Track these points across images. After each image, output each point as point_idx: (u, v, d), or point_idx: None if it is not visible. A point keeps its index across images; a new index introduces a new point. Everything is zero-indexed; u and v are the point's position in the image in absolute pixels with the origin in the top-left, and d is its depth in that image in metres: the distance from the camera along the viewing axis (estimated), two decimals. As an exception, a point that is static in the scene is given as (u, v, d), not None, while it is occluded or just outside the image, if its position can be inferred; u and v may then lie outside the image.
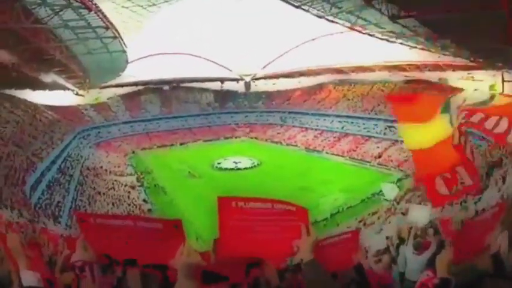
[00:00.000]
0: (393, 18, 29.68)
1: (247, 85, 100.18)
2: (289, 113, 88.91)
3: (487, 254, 2.91)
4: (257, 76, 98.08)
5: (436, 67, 57.69)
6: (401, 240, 10.21)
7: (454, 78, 55.67)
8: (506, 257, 2.89)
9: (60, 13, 30.00)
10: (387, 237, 13.33)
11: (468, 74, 54.30)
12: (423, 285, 3.39)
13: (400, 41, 44.56)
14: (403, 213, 27.58)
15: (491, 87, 49.60)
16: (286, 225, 2.77)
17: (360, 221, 33.62)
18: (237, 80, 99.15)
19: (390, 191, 41.90)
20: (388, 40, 44.99)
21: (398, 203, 35.26)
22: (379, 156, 59.08)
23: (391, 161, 56.04)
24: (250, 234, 2.73)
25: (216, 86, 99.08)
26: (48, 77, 49.44)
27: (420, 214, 17.98)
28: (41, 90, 59.68)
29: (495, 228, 3.13)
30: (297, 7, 36.14)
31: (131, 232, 2.70)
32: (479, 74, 49.87)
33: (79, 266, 2.70)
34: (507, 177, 18.23)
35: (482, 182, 20.00)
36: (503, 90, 48.10)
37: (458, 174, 7.25)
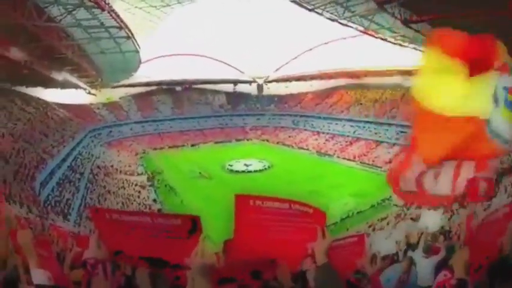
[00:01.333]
0: (406, 22, 29.64)
1: (260, 87, 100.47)
2: (301, 116, 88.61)
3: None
4: (270, 79, 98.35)
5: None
6: (410, 246, 10.12)
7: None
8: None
9: (73, 12, 30.21)
10: (396, 242, 13.25)
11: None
12: (440, 286, 3.33)
13: (412, 45, 44.43)
14: (412, 219, 27.52)
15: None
16: (303, 227, 2.73)
17: (370, 226, 33.46)
18: (249, 82, 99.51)
19: (402, 197, 41.76)
20: (401, 45, 44.86)
21: (408, 209, 35.10)
22: (390, 162, 58.49)
23: (402, 166, 55.36)
24: (265, 233, 2.70)
25: (229, 88, 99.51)
26: (60, 75, 49.59)
27: (432, 219, 17.91)
28: (52, 88, 60.22)
29: (507, 229, 3.07)
30: (311, 10, 36.13)
31: (148, 229, 2.67)
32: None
33: (91, 263, 2.64)
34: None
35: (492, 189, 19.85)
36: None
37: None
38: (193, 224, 2.66)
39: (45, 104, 58.52)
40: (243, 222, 2.66)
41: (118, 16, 35.16)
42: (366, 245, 5.07)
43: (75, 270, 3.10)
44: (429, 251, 6.53)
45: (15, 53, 33.24)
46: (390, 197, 41.71)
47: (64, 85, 58.83)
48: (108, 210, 3.21)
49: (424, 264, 5.83)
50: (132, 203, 41.32)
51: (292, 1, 36.45)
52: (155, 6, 48.29)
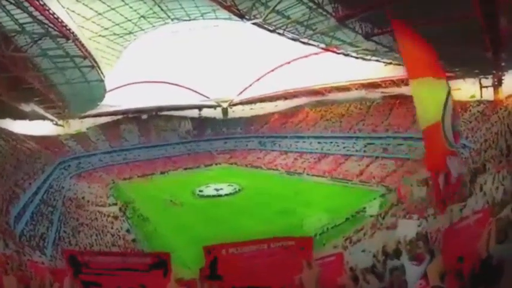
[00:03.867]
0: (367, 36, 30.12)
1: (225, 111, 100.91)
2: (268, 137, 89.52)
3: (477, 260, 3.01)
4: (234, 102, 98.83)
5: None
6: (387, 256, 10.27)
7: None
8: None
9: (39, 42, 30.03)
10: (374, 255, 13.44)
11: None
12: None
13: (375, 58, 45.14)
14: (388, 228, 27.77)
15: (471, 96, 50.53)
16: (286, 263, 2.76)
17: (346, 239, 33.50)
18: (214, 106, 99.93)
19: (373, 207, 42.21)
20: (363, 58, 45.54)
21: (383, 218, 35.41)
22: (361, 174, 59.43)
23: (373, 177, 56.52)
24: (247, 277, 2.70)
25: (194, 113, 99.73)
26: (28, 107, 48.98)
27: (408, 227, 18.21)
28: (21, 120, 59.36)
29: (482, 235, 3.19)
30: (272, 31, 36.42)
31: (121, 268, 2.71)
32: (457, 84, 50.23)
33: None
34: (488, 182, 18.49)
35: (466, 189, 20.24)
36: (481, 96, 49.13)
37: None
38: (163, 261, 2.71)
39: (15, 136, 57.76)
40: (220, 271, 2.68)
41: (82, 45, 35.01)
42: (344, 263, 5.16)
43: None
44: (417, 259, 6.71)
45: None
46: (364, 208, 42.25)
47: (32, 116, 58.08)
48: (83, 252, 3.25)
49: (413, 272, 6.00)
50: (106, 235, 40.73)
51: (253, 23, 36.75)
52: (118, 34, 48.25)
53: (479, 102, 47.73)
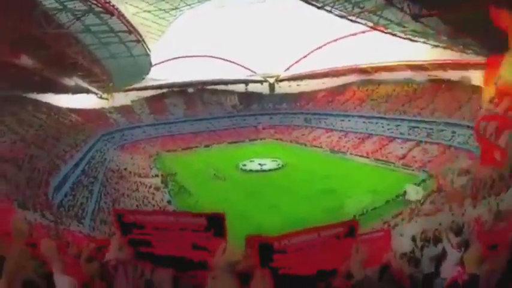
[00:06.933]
0: (415, 17, 29.55)
1: (272, 87, 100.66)
2: (314, 114, 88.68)
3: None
4: (281, 78, 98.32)
5: (459, 66, 57.06)
6: (427, 241, 10.10)
7: (477, 77, 54.82)
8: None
9: (82, 18, 30.29)
10: (412, 239, 13.22)
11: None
12: (454, 281, 3.35)
13: (422, 40, 44.27)
14: (426, 215, 27.40)
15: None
16: (336, 250, 2.70)
17: (384, 223, 33.28)
18: (261, 81, 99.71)
19: (414, 192, 41.66)
20: (410, 39, 44.77)
21: (422, 204, 34.96)
22: (403, 157, 58.60)
23: (416, 161, 55.55)
24: (296, 266, 2.61)
25: (241, 88, 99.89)
26: (72, 81, 49.84)
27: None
28: (64, 94, 60.66)
29: None
30: (320, 8, 36.05)
31: (171, 229, 2.63)
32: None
33: (113, 265, 2.68)
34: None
35: (504, 182, 19.75)
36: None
37: None
38: (218, 222, 2.61)
39: (57, 110, 58.95)
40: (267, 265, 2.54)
41: (127, 20, 35.30)
42: (391, 240, 5.06)
43: (91, 263, 3.09)
44: (462, 245, 6.52)
45: (26, 61, 33.42)
46: (404, 192, 41.72)
47: (75, 90, 59.39)
48: (132, 210, 3.19)
49: (453, 257, 5.84)
50: (147, 205, 41.36)
51: (301, -1, 36.43)
52: (164, 10, 48.31)
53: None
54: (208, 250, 2.57)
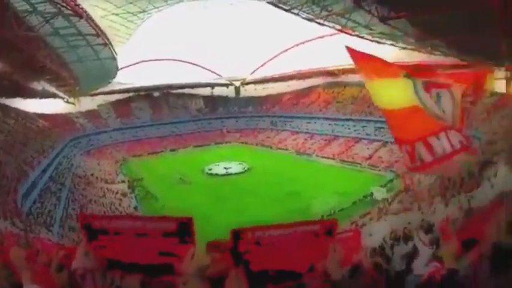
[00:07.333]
0: (383, 19, 29.88)
1: (237, 90, 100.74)
2: (279, 117, 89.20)
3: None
4: (247, 81, 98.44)
5: (426, 67, 57.82)
6: (397, 240, 10.32)
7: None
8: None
9: (51, 21, 30.06)
10: (382, 238, 13.47)
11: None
12: (432, 276, 3.49)
13: (390, 42, 44.78)
14: (394, 214, 27.82)
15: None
16: (313, 248, 2.75)
17: (352, 223, 33.52)
18: (226, 85, 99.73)
19: (380, 194, 42.20)
20: (378, 42, 45.21)
21: (390, 204, 35.40)
22: (370, 158, 59.38)
23: (382, 162, 56.26)
24: (272, 261, 2.67)
25: (206, 91, 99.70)
26: (39, 85, 49.25)
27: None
28: (31, 99, 59.49)
29: (493, 218, 3.21)
30: (287, 11, 36.25)
31: (139, 234, 2.61)
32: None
33: (80, 273, 2.64)
34: (498, 174, 18.45)
35: (474, 180, 20.23)
36: (494, 88, 48.64)
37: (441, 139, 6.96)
38: (186, 226, 2.62)
39: (24, 115, 57.98)
40: (243, 256, 2.62)
41: (95, 23, 35.12)
42: (361, 240, 5.18)
43: (61, 272, 3.05)
44: (433, 242, 6.73)
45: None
46: (372, 193, 42.21)
47: (43, 95, 58.36)
48: (99, 216, 3.16)
49: (425, 254, 6.05)
50: (114, 212, 40.87)
51: (268, 2, 36.50)
52: (132, 12, 48.00)
53: (492, 94, 47.24)
54: (176, 255, 2.61)
